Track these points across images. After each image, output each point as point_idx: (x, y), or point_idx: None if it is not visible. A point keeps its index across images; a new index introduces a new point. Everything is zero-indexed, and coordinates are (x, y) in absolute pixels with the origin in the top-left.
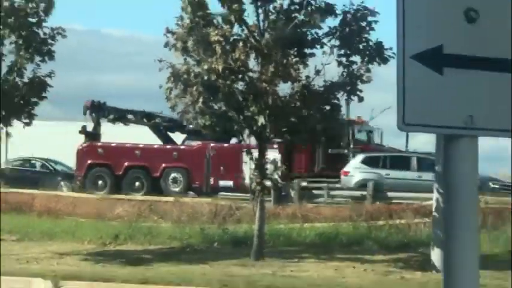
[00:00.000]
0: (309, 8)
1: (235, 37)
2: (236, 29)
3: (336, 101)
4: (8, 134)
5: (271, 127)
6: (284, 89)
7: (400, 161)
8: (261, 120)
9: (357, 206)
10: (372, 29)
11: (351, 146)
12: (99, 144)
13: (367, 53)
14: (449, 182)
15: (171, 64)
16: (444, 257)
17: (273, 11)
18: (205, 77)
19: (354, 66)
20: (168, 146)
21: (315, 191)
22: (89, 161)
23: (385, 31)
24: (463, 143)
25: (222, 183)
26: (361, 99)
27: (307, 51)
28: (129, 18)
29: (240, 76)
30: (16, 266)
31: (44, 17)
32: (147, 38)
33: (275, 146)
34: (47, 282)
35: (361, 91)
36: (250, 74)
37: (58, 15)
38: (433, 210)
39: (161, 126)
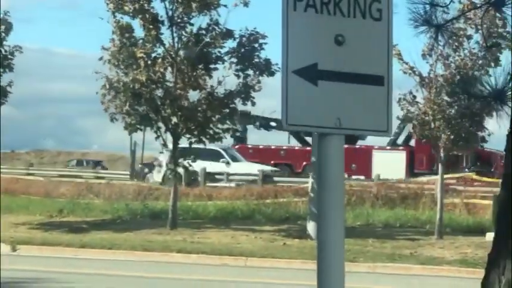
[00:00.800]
0: (213, 33)
1: (155, 54)
2: (156, 48)
3: (233, 106)
4: None
5: (182, 125)
6: (193, 95)
7: None
8: (175, 119)
9: (249, 187)
10: (262, 49)
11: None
12: (249, 146)
13: (258, 67)
14: (321, 169)
15: (105, 75)
16: (318, 229)
17: (185, 35)
18: (132, 86)
19: (248, 78)
20: (308, 148)
21: (216, 176)
22: None
23: (272, 50)
24: (333, 139)
25: (354, 177)
26: (253, 104)
27: (212, 66)
28: (72, 39)
29: (159, 85)
30: None
31: (4, 37)
32: (87, 54)
33: (401, 148)
34: (6, 246)
35: (253, 98)
36: (167, 83)
37: (16, 36)
38: (309, 191)
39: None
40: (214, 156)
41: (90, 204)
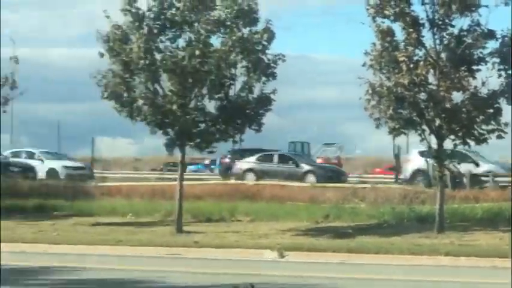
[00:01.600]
0: (475, 34)
1: (417, 57)
2: (417, 50)
3: (498, 106)
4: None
5: (446, 127)
6: (456, 97)
7: None
8: (438, 122)
9: None
10: None
11: None
12: None
13: None
14: None
15: (368, 80)
16: None
17: (447, 36)
18: (395, 90)
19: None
20: None
21: (482, 178)
22: None
23: None
24: None
25: None
26: None
27: (475, 67)
28: (332, 44)
29: (421, 88)
30: (250, 240)
31: (267, 45)
32: (347, 60)
33: None
34: (274, 253)
35: None
36: (430, 86)
37: (278, 44)
38: None
39: None
40: None
41: (355, 208)
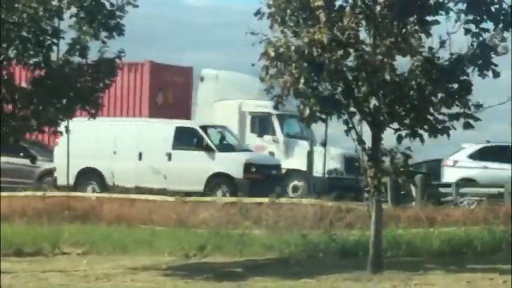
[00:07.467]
0: None
1: (341, 3)
2: None
3: (465, 78)
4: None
5: (386, 110)
6: (402, 64)
7: None
8: (375, 102)
9: (493, 206)
10: None
11: None
12: None
13: (501, 17)
14: None
15: (266, 37)
16: None
17: None
18: (307, 51)
19: (486, 35)
20: None
21: (441, 189)
22: None
23: None
24: None
25: None
26: (496, 75)
27: (429, 18)
28: None
29: (349, 49)
30: (83, 284)
31: None
32: (235, 7)
33: None
34: None
35: (496, 65)
36: (362, 47)
37: None
38: None
39: None
40: None
41: (245, 236)
